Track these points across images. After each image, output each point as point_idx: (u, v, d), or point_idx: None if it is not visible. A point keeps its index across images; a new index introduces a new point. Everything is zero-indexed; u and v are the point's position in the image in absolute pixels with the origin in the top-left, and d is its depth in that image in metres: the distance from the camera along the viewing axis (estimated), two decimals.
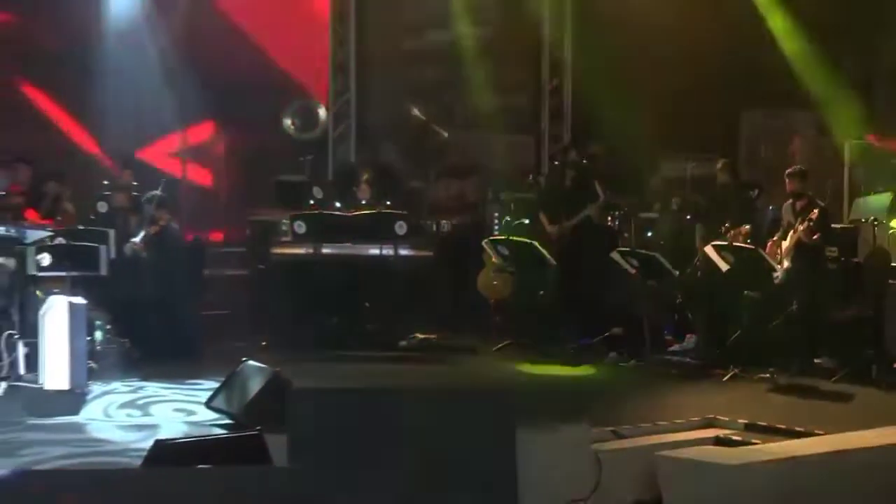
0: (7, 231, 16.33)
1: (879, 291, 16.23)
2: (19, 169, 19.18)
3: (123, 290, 17.14)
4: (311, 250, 18.64)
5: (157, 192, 17.57)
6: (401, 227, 18.19)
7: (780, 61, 20.11)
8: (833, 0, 19.40)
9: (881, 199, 18.70)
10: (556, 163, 20.60)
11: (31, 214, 18.17)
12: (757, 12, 20.30)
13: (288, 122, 22.55)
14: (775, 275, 16.07)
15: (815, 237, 15.93)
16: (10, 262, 15.55)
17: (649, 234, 19.50)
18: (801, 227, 15.98)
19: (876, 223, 17.57)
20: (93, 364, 15.57)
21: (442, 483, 8.83)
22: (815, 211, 15.96)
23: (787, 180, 16.63)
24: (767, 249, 16.34)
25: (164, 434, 12.58)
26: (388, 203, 19.25)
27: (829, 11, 19.58)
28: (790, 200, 16.53)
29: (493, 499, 8.81)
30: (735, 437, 11.81)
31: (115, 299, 17.11)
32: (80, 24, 21.37)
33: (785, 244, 16.20)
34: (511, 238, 18.47)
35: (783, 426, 12.41)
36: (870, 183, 19.46)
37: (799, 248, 16.08)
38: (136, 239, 17.26)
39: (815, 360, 16.08)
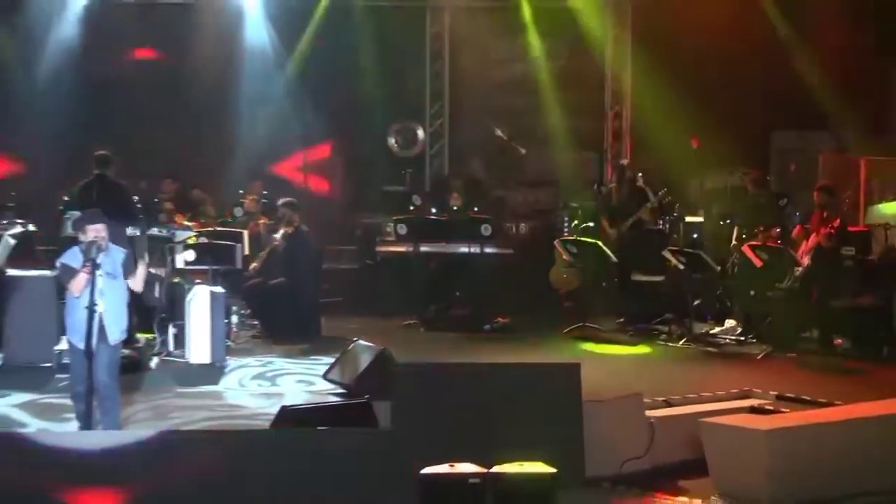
0: (160, 232, 16.50)
1: (890, 284, 16.10)
2: (165, 181, 19.40)
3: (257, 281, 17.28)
4: (411, 248, 18.70)
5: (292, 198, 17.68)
6: (486, 230, 18.19)
7: (805, 88, 19.91)
8: (849, 30, 19.16)
9: (891, 206, 18.58)
10: (615, 171, 20.47)
11: (179, 218, 18.31)
12: (786, 46, 20.12)
13: (392, 140, 22.59)
14: (796, 269, 16.04)
15: (831, 243, 15.86)
16: (162, 271, 15.64)
17: (695, 235, 19.40)
18: (821, 233, 15.92)
19: (887, 226, 17.44)
20: (230, 342, 15.70)
21: (520, 444, 8.81)
22: (837, 220, 15.94)
23: (816, 194, 16.57)
24: (793, 238, 16.34)
25: (288, 401, 12.57)
26: (476, 209, 19.25)
27: (846, 40, 19.37)
28: (817, 210, 16.47)
29: (562, 457, 8.78)
30: (767, 406, 11.69)
31: (248, 288, 17.25)
32: (220, 58, 21.50)
33: (807, 244, 16.15)
34: (579, 238, 18.43)
35: (808, 397, 12.30)
36: (882, 192, 19.29)
37: (817, 250, 16.00)
38: (277, 236, 17.31)
39: (835, 342, 15.96)
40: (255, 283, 17.16)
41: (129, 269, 10.63)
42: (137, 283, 10.75)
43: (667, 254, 17.10)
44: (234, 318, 16.52)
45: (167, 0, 21.54)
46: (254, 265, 17.24)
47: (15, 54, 20.92)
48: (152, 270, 15.33)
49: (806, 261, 16.07)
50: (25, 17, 20.81)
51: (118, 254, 10.65)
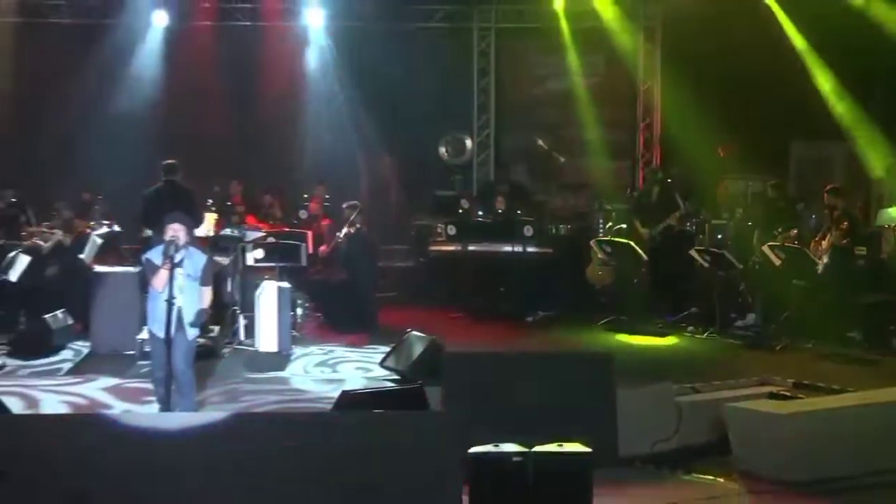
0: (232, 232, 16.59)
1: None
2: (233, 183, 19.49)
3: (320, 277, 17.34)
4: (459, 248, 18.72)
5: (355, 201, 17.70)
6: (528, 231, 18.21)
7: (822, 102, 19.76)
8: (862, 52, 19.02)
9: None
10: (647, 176, 20.39)
11: (250, 219, 18.40)
12: (806, 68, 19.98)
13: (443, 149, 22.59)
14: (818, 266, 15.96)
15: (843, 242, 15.78)
16: (224, 260, 15.72)
17: (719, 236, 19.30)
18: (834, 234, 15.85)
19: None
20: (295, 333, 15.74)
21: (559, 426, 8.81)
22: (845, 223, 15.85)
23: (825, 195, 16.52)
24: (811, 247, 16.25)
25: (348, 386, 12.65)
26: (519, 212, 19.23)
27: (859, 60, 19.24)
28: (827, 211, 16.45)
29: (597, 438, 8.76)
30: (785, 393, 11.65)
31: (312, 283, 17.30)
32: (285, 77, 21.62)
33: (824, 243, 16.08)
34: (613, 239, 18.38)
35: (822, 384, 12.26)
36: (891, 196, 19.15)
37: (833, 249, 15.92)
38: (340, 234, 17.35)
39: (848, 335, 15.87)
40: (319, 278, 17.23)
41: (206, 276, 10.71)
42: (205, 299, 10.81)
43: (693, 253, 17.07)
44: (299, 311, 16.56)
45: (239, 22, 21.63)
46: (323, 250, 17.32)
47: (105, 70, 21.07)
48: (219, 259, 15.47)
49: (825, 260, 16.01)
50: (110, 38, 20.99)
51: (200, 258, 10.74)
